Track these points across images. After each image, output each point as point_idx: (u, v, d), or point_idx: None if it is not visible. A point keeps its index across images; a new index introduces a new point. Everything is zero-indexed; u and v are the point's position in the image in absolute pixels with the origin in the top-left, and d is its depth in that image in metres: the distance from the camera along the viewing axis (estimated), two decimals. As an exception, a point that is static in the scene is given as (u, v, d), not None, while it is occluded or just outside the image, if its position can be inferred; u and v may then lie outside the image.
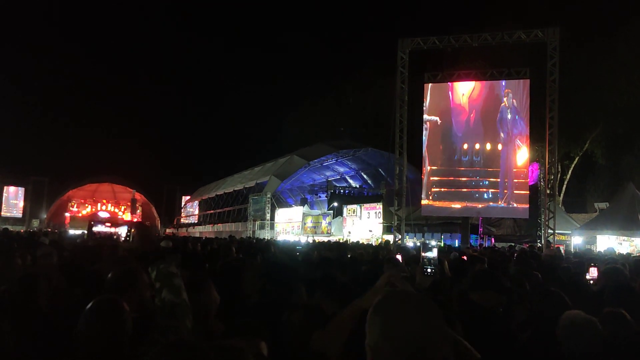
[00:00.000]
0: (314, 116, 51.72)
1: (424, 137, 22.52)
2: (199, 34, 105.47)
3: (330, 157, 37.91)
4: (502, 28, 21.67)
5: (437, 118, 22.30)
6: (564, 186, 35.76)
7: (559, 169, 32.78)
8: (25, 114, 64.50)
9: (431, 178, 22.09)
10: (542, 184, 22.35)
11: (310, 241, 21.65)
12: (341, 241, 22.56)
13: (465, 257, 7.47)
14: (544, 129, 21.16)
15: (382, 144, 33.73)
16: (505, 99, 21.41)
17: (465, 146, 21.73)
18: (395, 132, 22.17)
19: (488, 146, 21.53)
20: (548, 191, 21.41)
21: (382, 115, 39.03)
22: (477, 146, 21.62)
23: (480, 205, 21.50)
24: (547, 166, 21.72)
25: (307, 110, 52.60)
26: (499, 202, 21.22)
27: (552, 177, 22.33)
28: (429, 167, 22.20)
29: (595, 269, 4.81)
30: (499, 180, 21.27)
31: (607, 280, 4.51)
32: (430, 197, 22.02)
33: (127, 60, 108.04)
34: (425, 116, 22.47)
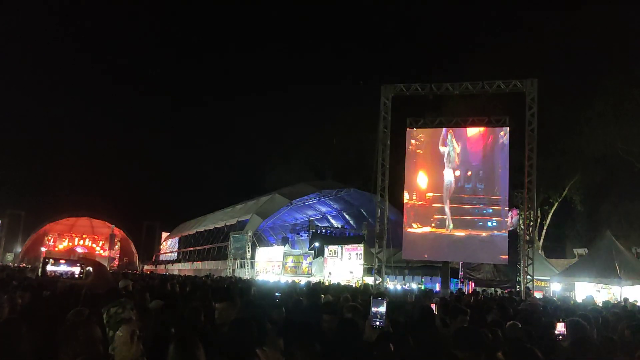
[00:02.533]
0: (297, 155, 52.14)
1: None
2: (181, 68, 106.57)
3: (312, 196, 37.98)
4: (483, 77, 22.25)
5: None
6: (544, 231, 36.16)
7: (539, 214, 33.19)
8: (1, 146, 63.58)
9: (433, 205, 21.83)
10: (521, 226, 22.56)
11: (290, 281, 21.43)
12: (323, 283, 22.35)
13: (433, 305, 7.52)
14: (523, 176, 21.49)
15: (364, 184, 33.99)
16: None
17: (469, 173, 21.64)
18: (378, 175, 22.37)
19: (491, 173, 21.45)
20: (527, 237, 21.59)
21: (365, 157, 39.48)
22: (481, 173, 21.53)
23: (484, 234, 21.36)
24: (525, 212, 21.98)
25: (291, 150, 53.10)
26: (503, 231, 21.03)
27: (532, 223, 22.56)
28: (431, 194, 21.99)
29: (563, 324, 4.85)
30: (501, 208, 21.07)
31: (571, 334, 4.56)
32: (433, 225, 21.79)
33: (108, 93, 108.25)
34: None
